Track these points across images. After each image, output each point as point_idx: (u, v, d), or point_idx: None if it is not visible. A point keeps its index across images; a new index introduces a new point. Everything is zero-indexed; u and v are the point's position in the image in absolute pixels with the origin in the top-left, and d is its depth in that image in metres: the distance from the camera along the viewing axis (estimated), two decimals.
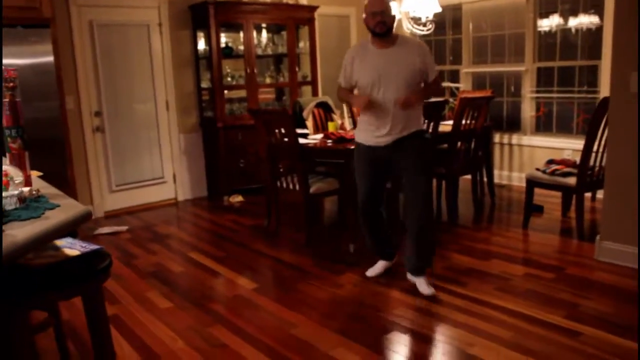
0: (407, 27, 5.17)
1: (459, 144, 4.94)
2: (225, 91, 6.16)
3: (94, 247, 1.98)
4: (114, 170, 5.82)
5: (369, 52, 3.31)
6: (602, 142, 4.18)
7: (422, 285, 3.43)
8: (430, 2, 5.02)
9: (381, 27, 3.20)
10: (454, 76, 6.89)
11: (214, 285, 3.85)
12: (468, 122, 4.88)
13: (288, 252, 4.36)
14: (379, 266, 3.77)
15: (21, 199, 1.58)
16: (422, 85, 3.39)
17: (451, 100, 6.67)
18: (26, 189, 1.70)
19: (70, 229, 1.39)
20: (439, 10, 5.10)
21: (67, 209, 1.55)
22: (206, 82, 6.23)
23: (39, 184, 1.99)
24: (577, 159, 4.54)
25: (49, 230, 1.34)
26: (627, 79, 3.57)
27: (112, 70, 5.70)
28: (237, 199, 6.12)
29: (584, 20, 5.70)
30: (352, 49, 3.48)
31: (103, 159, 5.73)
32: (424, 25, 5.06)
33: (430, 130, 4.43)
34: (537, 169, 4.59)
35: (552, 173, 4.40)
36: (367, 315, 3.15)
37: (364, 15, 3.27)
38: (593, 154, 4.20)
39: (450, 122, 4.99)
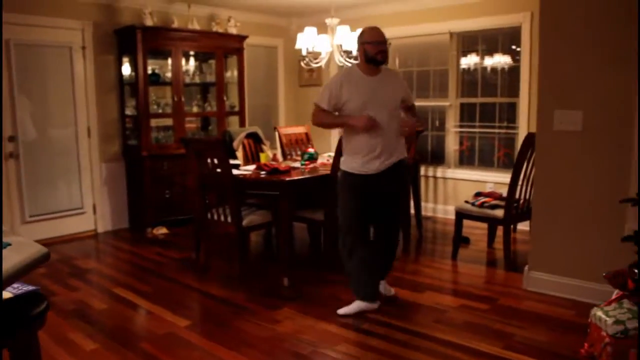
0: (339, 60, 5.23)
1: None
2: (151, 119, 5.95)
3: (28, 287, 1.78)
4: (29, 200, 5.43)
5: (358, 78, 3.46)
6: (528, 176, 4.37)
7: (386, 287, 3.84)
8: None
9: (383, 55, 3.40)
10: None
11: (142, 323, 3.63)
12: None
13: (219, 286, 4.21)
14: (358, 307, 3.59)
15: None
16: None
17: None
18: None
19: (28, 272, 1.22)
20: None
21: (20, 248, 1.36)
22: (131, 109, 6.01)
23: None
24: (502, 191, 4.72)
25: (6, 275, 1.15)
26: (551, 117, 3.75)
27: (30, 93, 5.38)
28: (161, 230, 5.89)
29: (502, 60, 6.00)
30: (340, 75, 3.55)
31: (16, 187, 5.34)
32: (355, 58, 5.12)
33: None
34: (466, 202, 4.72)
35: (481, 205, 4.53)
36: (309, 353, 3.06)
37: (364, 44, 3.42)
38: (518, 187, 4.37)
39: None
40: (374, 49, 3.38)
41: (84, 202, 5.89)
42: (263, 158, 4.81)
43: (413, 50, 6.62)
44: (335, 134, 7.37)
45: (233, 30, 6.57)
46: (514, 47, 5.88)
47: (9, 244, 1.39)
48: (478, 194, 4.80)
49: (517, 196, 4.38)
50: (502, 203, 4.44)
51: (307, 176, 4.37)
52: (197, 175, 4.40)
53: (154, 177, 5.87)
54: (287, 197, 4.15)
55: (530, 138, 4.15)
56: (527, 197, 4.45)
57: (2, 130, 5.17)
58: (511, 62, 5.93)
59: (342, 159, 3.64)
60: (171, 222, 6.04)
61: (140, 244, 5.55)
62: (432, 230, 5.91)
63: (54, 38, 5.48)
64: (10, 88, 5.23)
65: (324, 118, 3.54)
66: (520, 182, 4.36)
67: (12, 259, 1.27)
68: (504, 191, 4.82)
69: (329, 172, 4.36)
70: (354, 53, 5.15)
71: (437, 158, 6.57)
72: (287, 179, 4.16)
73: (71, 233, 5.77)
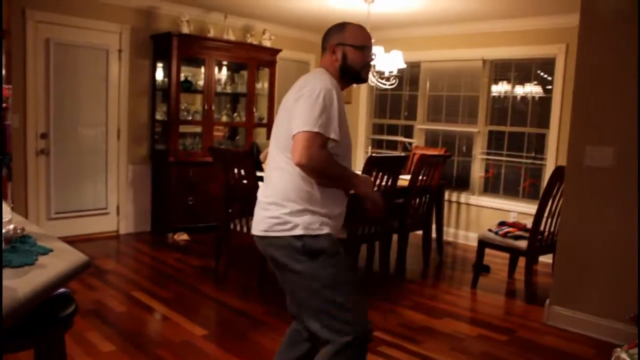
0: (371, 80, 5.25)
1: (413, 199, 4.99)
2: (180, 125, 6.01)
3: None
4: (55, 197, 5.52)
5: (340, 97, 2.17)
6: (554, 209, 4.32)
7: None
8: (395, 58, 5.13)
9: (367, 73, 2.32)
10: (408, 131, 7.02)
11: (159, 329, 3.65)
12: (424, 178, 4.96)
13: (238, 297, 4.21)
14: None
15: (7, 239, 1.38)
16: None
17: (404, 154, 6.78)
18: (11, 227, 1.50)
19: (70, 280, 1.22)
20: (404, 66, 5.22)
21: (62, 254, 1.36)
22: (161, 114, 6.08)
23: None
24: (527, 222, 4.67)
25: (50, 283, 1.15)
26: (583, 152, 3.71)
27: (65, 91, 5.48)
28: (183, 236, 5.92)
29: (534, 90, 5.97)
30: (334, 89, 2.10)
31: (44, 183, 5.43)
32: (387, 79, 5.15)
33: (389, 184, 4.46)
34: (490, 230, 4.68)
35: (504, 235, 4.49)
36: None
37: (344, 46, 2.21)
38: (544, 219, 4.32)
39: (406, 176, 5.06)
40: (360, 59, 2.22)
41: (109, 203, 5.96)
42: None
43: (444, 74, 6.62)
44: (361, 151, 7.38)
45: (267, 43, 6.64)
46: (546, 77, 5.85)
47: (51, 250, 1.40)
48: (502, 224, 4.76)
49: (541, 228, 4.33)
50: (526, 234, 4.40)
51: None
52: (222, 184, 4.43)
53: (179, 183, 5.92)
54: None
55: (559, 171, 4.11)
56: (552, 230, 4.40)
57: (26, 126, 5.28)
58: (543, 92, 5.90)
59: (320, 221, 2.15)
60: (193, 228, 6.08)
61: (160, 248, 5.59)
62: (452, 256, 5.87)
63: (92, 40, 5.58)
64: (46, 86, 5.33)
65: (333, 166, 2.09)
66: (546, 215, 4.32)
67: (57, 267, 1.27)
68: (528, 222, 4.78)
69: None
70: (387, 74, 5.17)
71: (462, 184, 6.54)
72: None
73: (94, 232, 5.83)
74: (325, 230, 2.13)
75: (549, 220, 4.36)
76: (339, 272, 2.13)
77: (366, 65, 2.25)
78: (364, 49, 2.22)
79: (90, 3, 5.49)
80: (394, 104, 7.19)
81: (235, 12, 6.37)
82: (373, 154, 4.22)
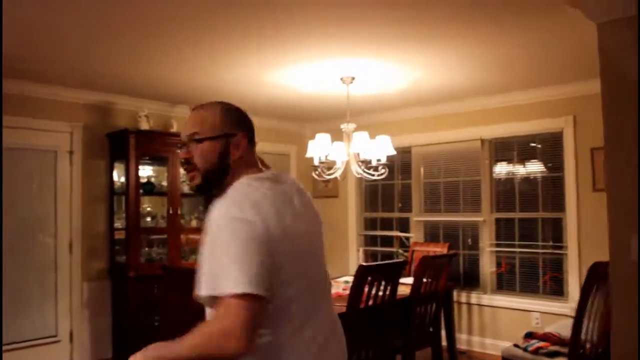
0: (357, 172, 4.53)
1: (418, 309, 4.14)
2: (142, 234, 5.21)
3: None
4: None
5: (287, 202, 1.57)
6: (593, 314, 3.46)
7: None
8: (382, 144, 4.44)
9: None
10: (404, 225, 6.24)
11: None
12: (429, 283, 4.14)
13: None
14: None
15: None
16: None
17: (400, 251, 5.99)
18: None
19: None
20: (393, 153, 4.52)
21: None
22: (121, 222, 5.30)
23: None
24: (560, 331, 3.79)
25: None
26: (628, 244, 2.92)
27: (4, 202, 4.71)
28: None
29: (541, 169, 5.28)
30: (259, 192, 1.51)
31: None
32: (375, 169, 4.43)
33: (387, 294, 3.62)
34: (516, 346, 3.78)
35: (536, 352, 3.59)
36: None
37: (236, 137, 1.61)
38: (584, 328, 3.45)
39: (408, 279, 4.24)
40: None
41: (59, 329, 5.03)
42: None
43: (439, 158, 5.94)
44: (353, 249, 6.56)
45: None
46: (554, 154, 5.17)
47: None
48: (529, 336, 3.86)
49: (582, 338, 3.45)
50: (564, 350, 3.50)
51: None
52: (178, 311, 3.58)
53: (142, 301, 5.04)
54: None
55: (597, 268, 3.29)
56: (595, 339, 3.52)
57: None
58: (552, 171, 5.20)
59: None
60: None
61: None
62: None
63: (36, 141, 4.89)
64: None
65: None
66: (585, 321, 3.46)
67: None
68: (556, 328, 3.92)
69: (343, 307, 3.51)
70: (374, 162, 4.47)
71: (471, 281, 5.67)
72: None
73: None
74: None
75: (589, 326, 3.49)
76: None
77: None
78: (179, 148, 1.64)
79: (33, 100, 4.85)
80: (386, 195, 6.46)
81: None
82: (363, 264, 3.42)
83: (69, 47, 3.87)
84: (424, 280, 4.08)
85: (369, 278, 3.45)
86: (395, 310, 3.85)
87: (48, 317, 4.99)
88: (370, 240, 6.57)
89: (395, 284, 3.70)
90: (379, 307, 3.63)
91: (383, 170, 4.40)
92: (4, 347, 4.66)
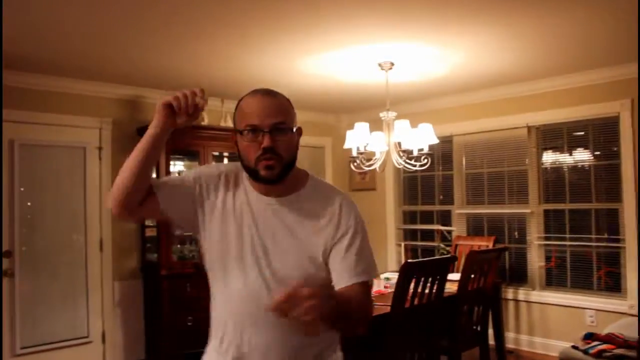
0: (398, 162, 4.27)
1: (465, 307, 3.87)
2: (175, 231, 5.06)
3: None
4: (22, 328, 4.50)
5: (242, 193, 1.63)
6: None
7: None
8: (424, 133, 4.17)
9: (269, 168, 1.53)
10: (445, 218, 5.95)
11: None
12: (475, 280, 3.86)
13: None
14: None
15: None
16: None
17: (442, 245, 5.71)
18: None
19: None
20: (436, 141, 4.25)
21: None
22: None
23: None
24: (624, 332, 3.49)
25: None
26: None
27: (33, 199, 4.62)
28: None
29: (594, 157, 4.93)
30: (217, 167, 1.71)
31: (7, 312, 4.43)
32: (417, 159, 4.17)
33: (433, 292, 3.37)
34: (575, 347, 3.49)
35: (599, 355, 3.30)
36: None
37: (238, 137, 1.57)
38: None
39: (454, 276, 3.97)
40: (246, 148, 1.54)
41: (91, 329, 4.92)
42: None
43: (482, 148, 5.63)
44: (392, 244, 6.31)
45: None
46: (609, 140, 4.82)
47: None
48: (589, 337, 3.56)
49: None
50: (632, 353, 3.20)
51: None
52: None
53: (174, 300, 4.88)
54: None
55: None
56: None
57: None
58: (606, 159, 4.85)
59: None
60: (194, 355, 4.95)
61: None
62: None
63: (65, 137, 4.77)
64: (10, 195, 4.47)
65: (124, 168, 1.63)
66: None
67: None
68: (618, 328, 3.61)
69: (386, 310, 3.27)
70: (416, 152, 4.20)
71: (518, 277, 5.36)
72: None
73: None
74: None
75: None
76: None
77: (259, 158, 1.51)
78: (250, 131, 1.52)
79: (62, 96, 4.73)
80: (426, 187, 6.17)
81: (234, 96, 5.55)
82: (409, 260, 3.16)
83: (98, 40, 3.74)
84: (472, 276, 3.81)
85: (415, 275, 3.20)
86: (441, 310, 3.59)
87: (79, 317, 4.87)
88: (409, 235, 6.29)
89: (442, 282, 3.44)
90: (425, 306, 3.38)
91: (425, 160, 4.14)
92: (35, 348, 4.58)
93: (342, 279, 1.51)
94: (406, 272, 3.11)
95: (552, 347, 4.89)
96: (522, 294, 5.27)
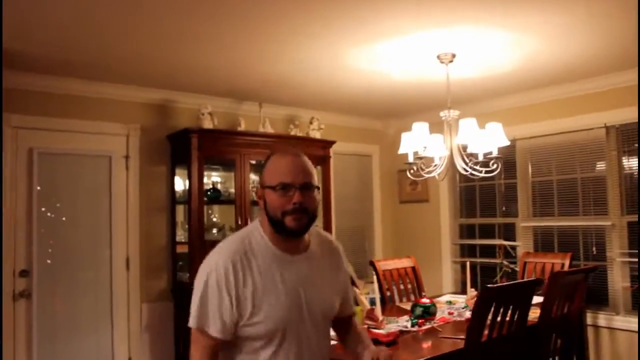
0: (461, 167, 3.68)
1: (549, 338, 3.24)
2: (208, 247, 4.57)
3: None
4: (39, 353, 4.07)
5: (268, 259, 1.70)
6: None
7: None
8: (493, 133, 3.57)
9: (299, 222, 1.68)
10: (509, 232, 5.30)
11: None
12: (560, 306, 3.24)
13: None
14: None
15: None
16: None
17: (506, 263, 5.08)
18: None
19: None
20: (507, 143, 3.65)
21: None
22: (184, 234, 4.69)
23: None
24: None
25: None
26: None
27: (54, 213, 4.21)
28: None
29: None
30: (227, 254, 1.68)
31: (24, 336, 4.00)
32: (485, 165, 3.58)
33: (514, 320, 2.77)
34: None
35: None
36: None
37: (263, 188, 1.72)
38: None
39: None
40: (277, 202, 1.67)
41: (116, 356, 4.46)
42: (357, 313, 3.22)
43: (551, 152, 4.99)
44: (447, 261, 5.69)
45: (316, 135, 5.27)
46: None
47: None
48: None
49: None
50: None
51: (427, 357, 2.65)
52: None
53: None
54: None
55: None
56: None
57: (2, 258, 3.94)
58: None
59: None
60: None
61: None
62: None
63: (89, 146, 4.36)
64: (28, 207, 4.07)
65: None
66: None
67: None
68: None
69: (460, 344, 2.68)
70: (481, 157, 3.61)
71: (597, 299, 4.66)
72: None
73: None
74: None
75: None
76: None
77: (288, 211, 1.67)
78: (281, 188, 1.68)
79: (84, 101, 4.32)
80: (485, 198, 5.53)
81: (273, 101, 5.08)
82: (489, 285, 2.57)
83: (128, 38, 3.34)
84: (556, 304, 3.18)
85: (494, 304, 2.61)
86: (524, 343, 2.98)
87: (103, 343, 4.42)
88: (467, 251, 5.66)
89: (525, 310, 2.84)
90: (504, 339, 2.78)
91: (495, 166, 3.54)
92: None
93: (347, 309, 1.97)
94: (487, 300, 2.53)
95: None
96: (602, 319, 4.58)
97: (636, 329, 4.37)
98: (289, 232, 1.67)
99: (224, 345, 1.68)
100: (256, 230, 1.73)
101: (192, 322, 1.65)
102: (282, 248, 1.71)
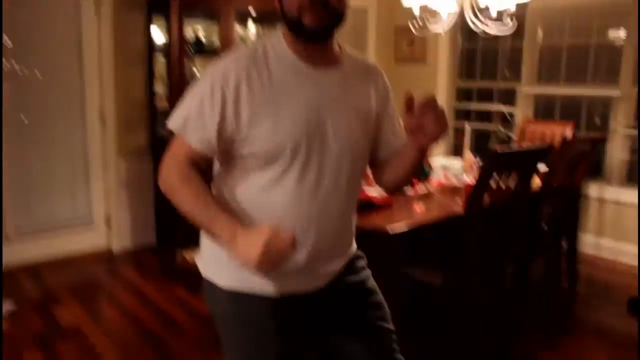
0: (471, 20, 3.30)
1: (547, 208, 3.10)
2: None
3: None
4: (15, 210, 3.92)
5: (284, 70, 1.39)
6: None
7: None
8: None
9: (316, 15, 1.33)
10: (509, 97, 5.03)
11: None
12: (561, 175, 3.06)
13: None
14: None
15: None
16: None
17: (502, 129, 4.87)
18: None
19: None
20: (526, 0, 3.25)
21: None
22: (163, 87, 4.36)
23: None
24: None
25: None
26: None
27: (21, 65, 3.83)
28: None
29: None
30: (236, 59, 1.37)
31: None
32: (498, 20, 3.21)
33: (517, 189, 2.59)
34: None
35: None
36: None
37: None
38: None
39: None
40: None
41: (94, 212, 4.33)
42: None
43: (564, 15, 4.58)
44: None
45: None
46: None
47: None
48: None
49: None
50: None
51: (421, 222, 2.48)
52: None
53: None
54: (390, 254, 2.35)
55: None
56: None
57: None
58: None
59: (213, 263, 1.52)
60: None
61: (164, 278, 3.91)
62: (587, 280, 3.95)
63: None
64: None
65: (182, 192, 1.36)
66: None
67: None
68: None
69: (459, 210, 2.52)
70: (493, 14, 3.24)
71: (592, 170, 4.51)
72: (391, 231, 2.31)
73: (75, 252, 4.23)
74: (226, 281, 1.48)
75: None
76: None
77: (305, 5, 1.32)
78: None
79: None
80: (487, 61, 5.19)
81: None
82: (498, 150, 2.35)
83: None
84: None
85: (504, 170, 2.41)
86: (522, 210, 2.83)
87: (79, 200, 4.28)
88: (462, 115, 5.42)
89: (528, 178, 2.65)
90: (504, 206, 2.61)
91: (511, 24, 3.18)
92: (34, 233, 4.03)
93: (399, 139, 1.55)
94: (493, 166, 2.31)
95: (623, 252, 4.23)
96: (594, 189, 4.46)
97: (625, 201, 4.28)
98: (308, 31, 1.34)
99: (223, 169, 1.44)
100: (275, 37, 1.42)
101: (171, 123, 1.39)
102: (303, 58, 1.39)
